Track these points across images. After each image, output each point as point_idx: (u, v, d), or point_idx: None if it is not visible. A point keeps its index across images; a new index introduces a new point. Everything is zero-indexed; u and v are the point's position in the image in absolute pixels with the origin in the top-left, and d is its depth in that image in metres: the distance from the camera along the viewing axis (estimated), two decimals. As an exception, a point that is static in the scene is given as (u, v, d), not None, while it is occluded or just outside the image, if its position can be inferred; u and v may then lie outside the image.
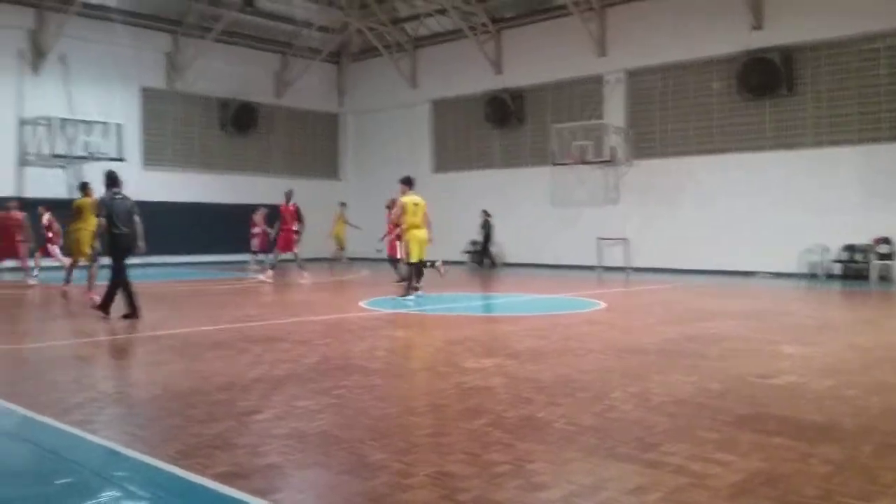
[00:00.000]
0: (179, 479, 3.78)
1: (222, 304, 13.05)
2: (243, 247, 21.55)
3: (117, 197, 10.39)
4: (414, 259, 13.04)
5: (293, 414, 5.08)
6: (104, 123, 22.72)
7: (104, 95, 23.55)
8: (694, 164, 20.96)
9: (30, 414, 5.07)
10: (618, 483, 3.74)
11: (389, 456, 4.13)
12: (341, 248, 24.17)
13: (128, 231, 10.25)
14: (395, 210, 13.79)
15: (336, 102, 30.22)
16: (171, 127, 25.69)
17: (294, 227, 17.06)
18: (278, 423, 4.82)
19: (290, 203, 17.12)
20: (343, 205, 24.89)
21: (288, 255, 17.40)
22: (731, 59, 20.05)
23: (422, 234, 13.02)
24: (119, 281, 10.21)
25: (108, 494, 3.54)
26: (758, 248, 19.47)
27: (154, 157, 25.15)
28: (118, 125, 22.97)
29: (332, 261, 24.24)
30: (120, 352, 7.96)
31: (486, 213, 24.14)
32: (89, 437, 4.52)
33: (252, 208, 21.82)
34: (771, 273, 19.01)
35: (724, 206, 20.12)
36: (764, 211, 19.49)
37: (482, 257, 24.08)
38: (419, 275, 13.29)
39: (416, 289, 13.01)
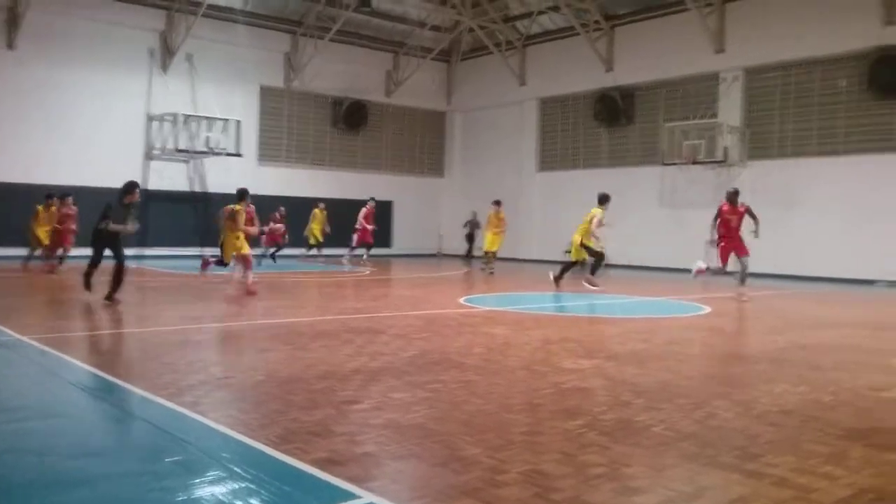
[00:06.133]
0: (279, 463, 3.92)
1: (330, 295, 13.42)
2: (349, 241, 22.04)
3: None
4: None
5: (390, 405, 5.18)
6: (224, 120, 23.73)
7: (225, 93, 24.61)
8: (814, 165, 19.97)
9: (147, 395, 5.37)
10: (717, 492, 3.63)
11: (483, 451, 4.15)
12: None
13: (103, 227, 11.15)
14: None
15: (444, 101, 30.49)
16: (285, 124, 26.62)
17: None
18: (375, 414, 4.93)
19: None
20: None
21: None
22: (860, 56, 19.00)
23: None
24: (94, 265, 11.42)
25: (214, 474, 3.71)
26: (880, 254, 18.37)
27: (269, 152, 26.12)
28: (237, 122, 23.96)
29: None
30: (230, 338, 8.32)
31: (474, 215, 23.25)
32: (198, 418, 4.75)
33: (361, 203, 22.25)
34: (892, 281, 17.92)
35: (844, 209, 19.08)
36: (888, 216, 18.37)
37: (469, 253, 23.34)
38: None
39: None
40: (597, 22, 24.39)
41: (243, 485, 3.55)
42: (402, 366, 6.60)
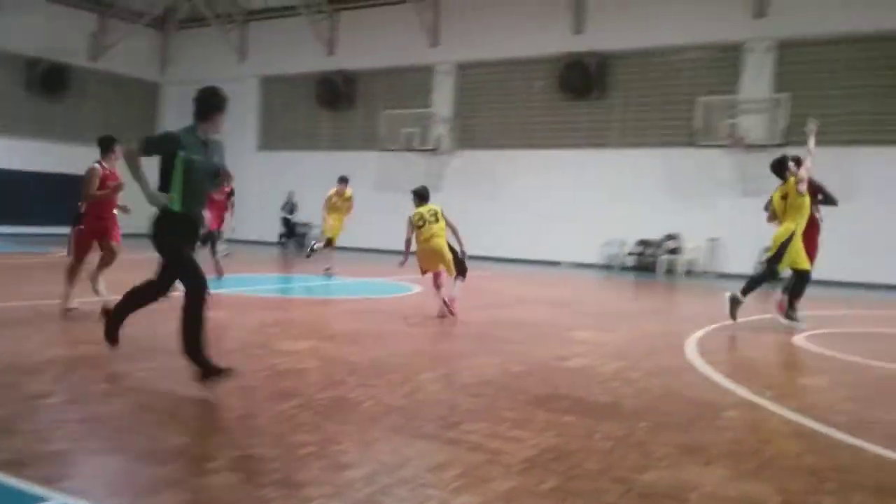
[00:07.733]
0: (-49, 468, 3.49)
1: (21, 279, 12.08)
2: (47, 219, 20.04)
3: None
4: None
5: (87, 398, 4.83)
6: None
7: None
8: (514, 157, 21.84)
9: None
10: (419, 461, 3.88)
11: (191, 440, 4.04)
12: None
13: None
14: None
15: (158, 71, 28.66)
16: (-35, 84, 23.37)
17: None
18: (70, 408, 4.56)
19: None
20: None
21: None
22: (554, 59, 21.04)
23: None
24: None
25: None
26: (566, 239, 20.69)
27: (-56, 115, 22.79)
28: None
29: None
30: None
31: (291, 195, 23.09)
32: None
33: (64, 177, 20.29)
34: (573, 263, 20.29)
35: (538, 198, 21.17)
36: (574, 205, 20.72)
37: None
38: None
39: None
40: (319, 3, 24.38)
41: None
42: (106, 354, 6.16)
